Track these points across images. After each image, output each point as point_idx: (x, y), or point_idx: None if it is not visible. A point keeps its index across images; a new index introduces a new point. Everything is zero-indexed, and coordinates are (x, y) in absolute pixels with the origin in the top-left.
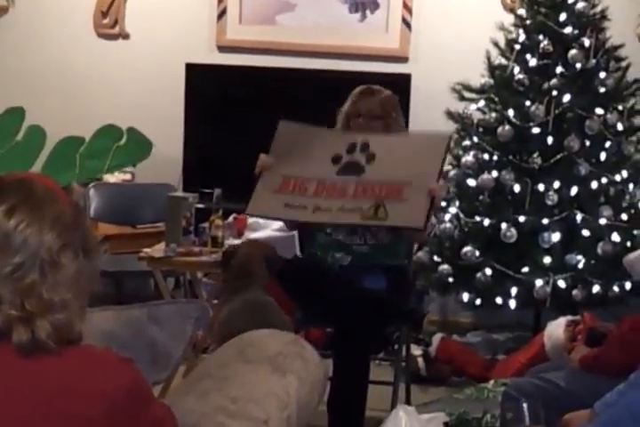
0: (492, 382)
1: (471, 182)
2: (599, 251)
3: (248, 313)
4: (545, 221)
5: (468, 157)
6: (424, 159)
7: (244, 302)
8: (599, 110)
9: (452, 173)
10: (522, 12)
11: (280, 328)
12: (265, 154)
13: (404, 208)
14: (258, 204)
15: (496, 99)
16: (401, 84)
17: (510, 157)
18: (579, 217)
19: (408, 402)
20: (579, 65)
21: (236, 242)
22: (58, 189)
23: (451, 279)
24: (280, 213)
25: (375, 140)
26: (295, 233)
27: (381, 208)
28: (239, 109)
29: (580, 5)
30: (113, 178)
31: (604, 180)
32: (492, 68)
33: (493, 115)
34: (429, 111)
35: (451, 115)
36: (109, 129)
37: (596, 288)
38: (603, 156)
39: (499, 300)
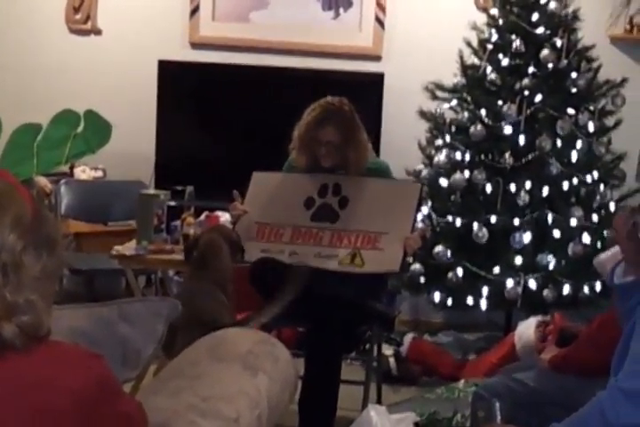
0: (462, 381)
1: (443, 182)
2: (570, 251)
3: (183, 302)
4: (516, 221)
5: (441, 157)
6: (398, 209)
7: (184, 289)
8: (571, 110)
9: (424, 172)
10: (494, 11)
11: (208, 322)
12: (238, 201)
13: (380, 256)
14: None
15: (468, 98)
16: (374, 83)
17: (482, 157)
18: (550, 217)
19: (379, 402)
20: (550, 65)
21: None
22: (17, 185)
23: (422, 279)
24: (257, 258)
25: (347, 183)
26: None
27: (358, 256)
28: (212, 107)
29: (552, 6)
30: (84, 175)
31: (575, 180)
32: (465, 68)
33: (466, 114)
34: (402, 110)
35: (423, 114)
36: (66, 114)
37: (566, 289)
38: (574, 156)
39: (470, 300)
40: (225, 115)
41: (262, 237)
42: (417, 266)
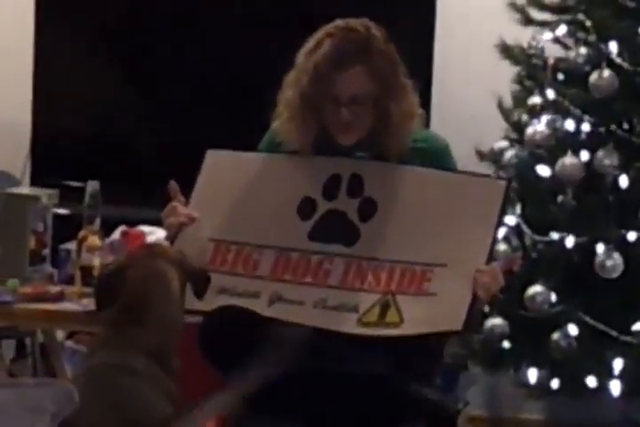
0: None
1: (543, 171)
2: None
3: (88, 389)
4: None
5: (538, 127)
6: (465, 224)
7: (90, 368)
8: None
9: (508, 153)
10: None
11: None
12: (180, 201)
13: (431, 306)
14: None
15: (587, 23)
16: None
17: (613, 127)
18: None
19: None
20: None
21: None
22: None
23: (507, 344)
24: (211, 305)
25: (374, 174)
26: None
27: (392, 308)
28: (132, 46)
29: None
30: None
31: None
32: None
33: (583, 50)
34: (469, 44)
35: (507, 50)
36: None
37: None
38: None
39: (591, 380)
40: (154, 60)
41: (222, 265)
42: (496, 321)
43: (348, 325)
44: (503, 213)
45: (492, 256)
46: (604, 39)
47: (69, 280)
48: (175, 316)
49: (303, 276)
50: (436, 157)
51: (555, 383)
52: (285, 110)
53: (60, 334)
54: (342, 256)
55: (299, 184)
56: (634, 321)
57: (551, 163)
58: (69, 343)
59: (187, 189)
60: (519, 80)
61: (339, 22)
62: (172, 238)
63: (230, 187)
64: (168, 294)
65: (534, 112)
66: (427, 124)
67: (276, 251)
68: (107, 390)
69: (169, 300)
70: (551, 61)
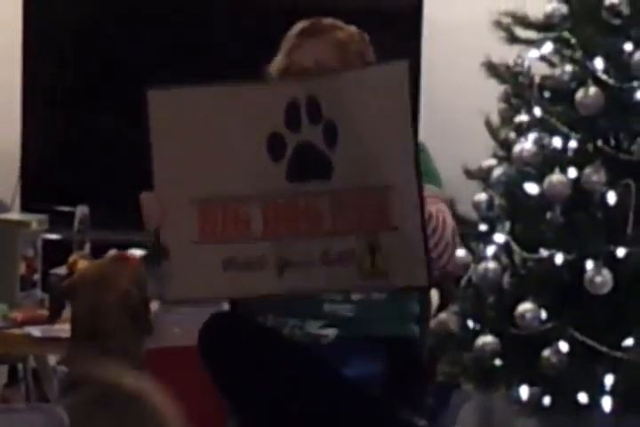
0: None
1: (531, 188)
2: None
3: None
4: None
5: (526, 144)
6: (387, 123)
7: (86, 399)
8: None
9: (497, 171)
10: None
11: None
12: (148, 194)
13: (400, 249)
14: (179, 282)
15: (573, 40)
16: (407, 15)
17: (599, 143)
18: None
19: None
20: None
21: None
22: None
23: (498, 362)
24: (223, 288)
25: (324, 92)
26: None
27: (378, 251)
28: (109, 73)
29: None
30: None
31: None
32: None
33: (568, 68)
34: (456, 60)
35: (493, 68)
36: None
37: None
38: None
39: (583, 397)
40: (143, 87)
41: (213, 233)
42: (487, 339)
43: (352, 278)
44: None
45: (417, 155)
46: (590, 56)
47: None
48: (124, 343)
49: (297, 225)
50: None
51: (546, 400)
52: None
53: (52, 359)
54: (326, 193)
55: (260, 118)
56: (624, 337)
57: (539, 180)
58: (62, 368)
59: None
60: (506, 98)
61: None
62: (157, 233)
63: (189, 133)
64: (113, 326)
65: (521, 130)
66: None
67: (261, 201)
68: (113, 413)
69: (115, 332)
70: (537, 79)
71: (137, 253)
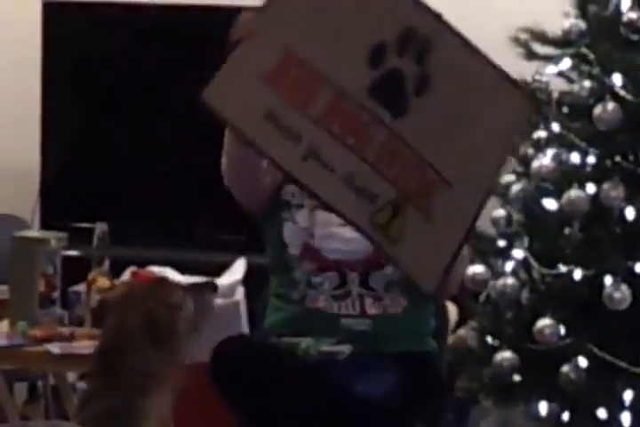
0: None
1: (549, 204)
2: None
3: None
4: None
5: (544, 160)
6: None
7: (97, 414)
8: None
9: (515, 187)
10: None
11: None
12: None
13: (425, 238)
14: (223, 88)
15: (591, 56)
16: None
17: (618, 159)
18: None
19: None
20: None
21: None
22: None
23: (517, 377)
24: (249, 126)
25: (443, 45)
26: (241, 298)
27: (399, 218)
28: (125, 88)
29: None
30: None
31: None
32: (584, 3)
33: (587, 84)
34: None
35: None
36: None
37: None
38: None
39: (602, 412)
40: (161, 101)
41: (280, 83)
42: (506, 355)
43: (362, 219)
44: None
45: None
46: (608, 72)
47: (80, 322)
48: (144, 361)
49: (349, 132)
50: None
51: (565, 416)
52: None
53: (71, 376)
54: (386, 127)
55: (378, 21)
56: None
57: (557, 196)
58: (81, 385)
59: (193, 230)
60: None
61: None
62: (237, 41)
63: (306, 12)
64: (133, 344)
65: (540, 145)
66: None
67: (335, 91)
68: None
69: (134, 350)
70: (555, 95)
71: (155, 270)
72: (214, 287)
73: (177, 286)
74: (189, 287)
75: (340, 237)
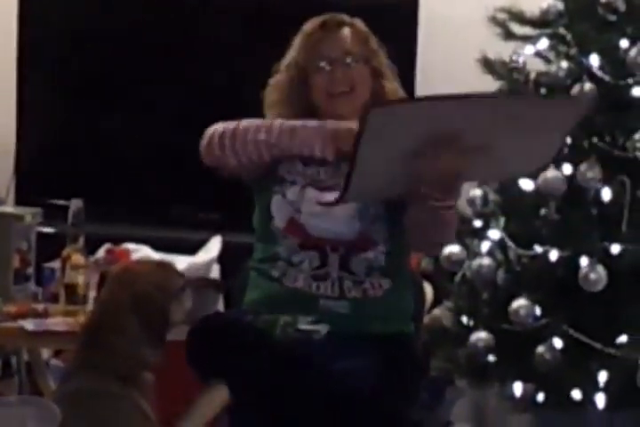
0: None
1: (526, 185)
2: None
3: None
4: None
5: None
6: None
7: (68, 393)
8: None
9: None
10: None
11: None
12: None
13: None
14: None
15: (568, 36)
16: (402, 13)
17: (594, 140)
18: None
19: None
20: None
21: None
22: None
23: (492, 358)
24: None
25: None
26: (217, 276)
27: None
28: (104, 62)
29: None
30: None
31: None
32: None
33: (564, 64)
34: (452, 58)
35: (488, 64)
36: None
37: None
38: None
39: (577, 393)
40: (140, 76)
41: None
42: (481, 335)
43: None
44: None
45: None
46: (586, 53)
47: (54, 298)
48: (127, 344)
49: None
50: None
51: (540, 397)
52: (274, 92)
53: (45, 353)
54: None
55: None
56: (618, 334)
57: (534, 177)
58: (55, 362)
59: (169, 208)
60: (502, 93)
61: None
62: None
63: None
64: (118, 325)
65: None
66: None
67: None
68: (88, 415)
69: (119, 331)
70: (533, 75)
71: (131, 247)
72: (220, 287)
73: (179, 274)
74: (194, 280)
75: (327, 217)
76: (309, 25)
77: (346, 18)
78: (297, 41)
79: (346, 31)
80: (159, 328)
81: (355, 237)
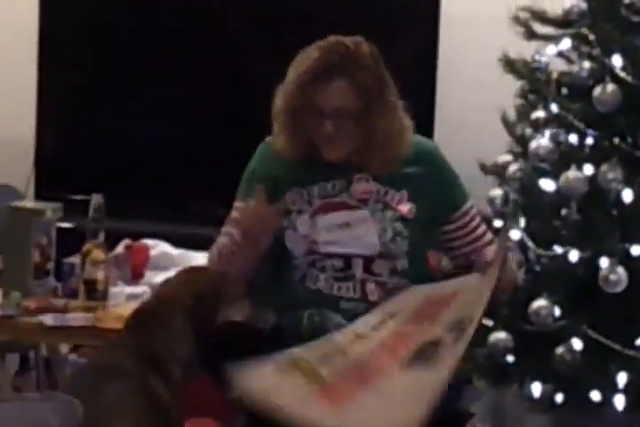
0: None
1: (547, 185)
2: None
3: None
4: None
5: (542, 140)
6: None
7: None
8: None
9: (512, 167)
10: None
11: None
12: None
13: None
14: None
15: (591, 36)
16: (422, 11)
17: (616, 141)
18: None
19: None
20: None
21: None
22: None
23: (511, 358)
24: None
25: None
26: None
27: None
28: (124, 59)
29: None
30: None
31: None
32: None
33: (586, 64)
34: (471, 55)
35: (510, 64)
36: None
37: None
38: None
39: (596, 394)
40: (161, 74)
41: None
42: (500, 335)
43: None
44: None
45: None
46: (608, 53)
47: (73, 294)
48: (172, 338)
49: None
50: (429, 159)
51: (559, 397)
52: (275, 122)
53: (64, 348)
54: None
55: None
56: (638, 335)
57: (555, 177)
58: (73, 357)
59: (188, 204)
60: (523, 94)
61: (331, 37)
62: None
63: None
64: (169, 322)
65: (538, 126)
66: (430, 137)
67: None
68: (86, 398)
69: (168, 327)
70: (555, 75)
71: (150, 243)
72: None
73: (239, 286)
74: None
75: (345, 242)
76: (307, 55)
77: (346, 57)
78: (297, 68)
79: (341, 83)
80: (205, 333)
81: (375, 254)
